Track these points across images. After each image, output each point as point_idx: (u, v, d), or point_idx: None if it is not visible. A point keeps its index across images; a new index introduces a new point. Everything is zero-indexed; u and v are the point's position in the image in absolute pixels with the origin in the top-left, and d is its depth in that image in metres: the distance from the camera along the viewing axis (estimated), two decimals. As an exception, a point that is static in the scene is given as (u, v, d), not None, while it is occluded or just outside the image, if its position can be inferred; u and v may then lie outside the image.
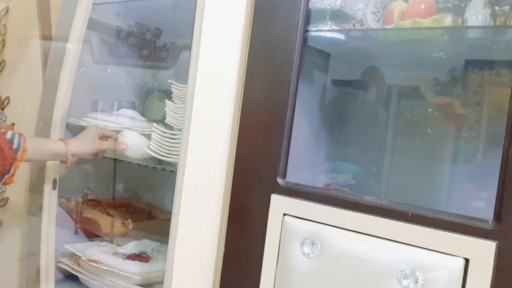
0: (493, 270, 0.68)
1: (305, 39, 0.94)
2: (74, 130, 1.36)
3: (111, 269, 1.19)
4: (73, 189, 1.40)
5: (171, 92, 1.13)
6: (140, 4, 1.40)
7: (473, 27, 0.88)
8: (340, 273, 0.79)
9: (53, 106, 1.24)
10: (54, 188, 1.22)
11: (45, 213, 1.23)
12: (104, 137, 1.16)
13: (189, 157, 0.98)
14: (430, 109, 1.10)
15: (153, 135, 1.13)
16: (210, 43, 0.97)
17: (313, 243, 0.83)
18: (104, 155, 1.22)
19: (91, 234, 1.41)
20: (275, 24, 0.92)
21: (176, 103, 1.11)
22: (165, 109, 1.12)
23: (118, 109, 1.40)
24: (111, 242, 1.34)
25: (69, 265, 1.27)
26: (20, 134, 0.99)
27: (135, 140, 1.17)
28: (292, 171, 0.92)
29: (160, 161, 1.15)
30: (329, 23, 1.01)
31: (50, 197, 1.23)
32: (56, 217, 1.25)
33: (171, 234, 0.97)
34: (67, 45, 1.25)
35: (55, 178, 1.24)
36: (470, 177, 1.01)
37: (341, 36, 1.07)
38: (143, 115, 1.43)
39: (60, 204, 1.34)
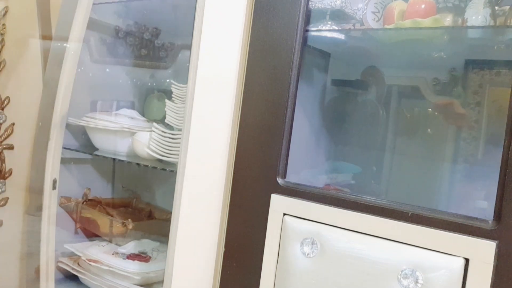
0: (493, 270, 0.68)
1: (305, 39, 0.94)
2: (74, 130, 1.36)
3: (111, 269, 1.19)
4: (73, 189, 1.40)
5: (171, 92, 1.13)
6: (140, 4, 1.40)
7: (473, 27, 0.88)
8: (340, 273, 0.79)
9: (53, 106, 1.24)
10: (54, 188, 1.22)
11: (45, 213, 1.23)
12: None
13: (189, 157, 0.98)
14: (430, 109, 1.10)
15: (153, 135, 1.13)
16: (210, 43, 0.97)
17: (313, 243, 0.83)
18: (105, 155, 1.23)
19: (91, 234, 1.41)
20: (275, 24, 0.92)
21: (176, 103, 1.12)
22: (165, 109, 1.12)
23: (118, 109, 1.40)
24: (111, 242, 1.34)
25: (69, 265, 1.27)
26: None
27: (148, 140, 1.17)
28: (292, 171, 0.92)
29: (160, 161, 1.15)
30: (329, 23, 1.01)
31: (50, 197, 1.23)
32: (56, 217, 1.25)
33: (171, 234, 0.97)
34: (67, 45, 1.25)
35: (55, 178, 1.24)
36: (470, 177, 1.01)
37: (341, 36, 1.07)
38: (143, 115, 1.43)
39: (60, 204, 1.34)
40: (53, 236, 1.24)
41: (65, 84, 1.24)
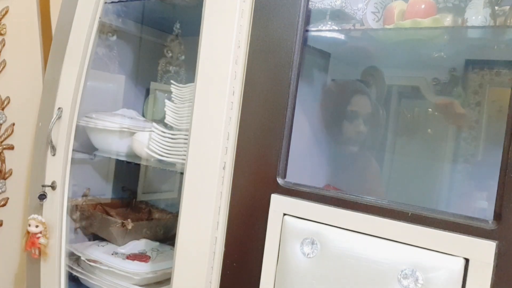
0: (493, 270, 0.68)
1: (305, 39, 0.93)
2: (74, 130, 1.36)
3: (110, 269, 1.19)
4: (73, 189, 1.40)
5: (171, 92, 1.13)
6: (140, 4, 1.40)
7: (473, 27, 0.88)
8: (340, 273, 0.79)
9: (53, 106, 1.24)
10: (54, 188, 1.22)
11: (45, 213, 1.23)
12: None
13: (189, 157, 0.98)
14: (430, 109, 1.10)
15: (153, 135, 1.13)
16: (210, 43, 0.97)
17: (313, 243, 0.83)
18: (105, 155, 1.22)
19: (91, 234, 1.41)
20: (275, 24, 0.92)
21: (175, 103, 1.12)
22: (165, 109, 1.12)
23: (118, 109, 1.40)
24: (111, 242, 1.34)
25: (69, 265, 1.27)
26: None
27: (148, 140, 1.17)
28: (292, 171, 0.92)
29: (160, 161, 1.15)
30: (329, 23, 1.01)
31: (50, 197, 1.23)
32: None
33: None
34: (67, 45, 1.25)
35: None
36: (470, 177, 1.01)
37: (341, 36, 1.07)
38: (143, 115, 1.43)
39: (60, 204, 1.34)
40: (53, 236, 1.24)
41: (65, 84, 1.24)
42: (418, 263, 0.73)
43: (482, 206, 0.92)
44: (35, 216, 1.21)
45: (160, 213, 1.47)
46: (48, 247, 1.22)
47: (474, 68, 1.01)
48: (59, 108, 1.22)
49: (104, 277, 1.21)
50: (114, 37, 1.44)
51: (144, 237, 1.35)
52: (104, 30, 1.38)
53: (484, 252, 0.69)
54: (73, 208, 1.37)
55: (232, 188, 0.96)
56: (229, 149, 0.96)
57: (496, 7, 0.85)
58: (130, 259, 1.24)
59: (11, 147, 1.51)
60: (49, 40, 1.46)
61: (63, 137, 1.21)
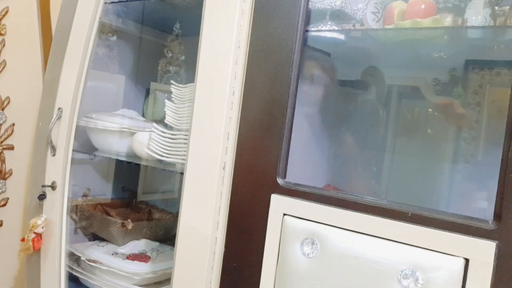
0: (493, 270, 0.68)
1: (305, 39, 0.93)
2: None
3: (110, 269, 1.19)
4: (73, 189, 1.40)
5: (171, 92, 1.13)
6: (140, 4, 1.40)
7: (473, 27, 0.88)
8: (340, 273, 0.79)
9: (53, 106, 1.24)
10: (54, 188, 1.22)
11: (45, 213, 1.23)
12: None
13: (189, 157, 0.98)
14: (430, 109, 1.10)
15: (153, 135, 1.13)
16: (210, 43, 0.97)
17: (313, 243, 0.83)
18: (105, 155, 1.22)
19: (91, 234, 1.41)
20: (275, 24, 0.92)
21: (175, 103, 1.12)
22: (165, 109, 1.12)
23: (118, 109, 1.40)
24: (111, 242, 1.34)
25: (69, 265, 1.27)
26: None
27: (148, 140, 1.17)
28: (292, 171, 0.92)
29: (160, 161, 1.15)
30: (329, 23, 1.01)
31: (50, 197, 1.23)
32: (56, 217, 1.25)
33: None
34: (67, 45, 1.25)
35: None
36: (470, 177, 1.01)
37: (341, 36, 1.07)
38: (143, 115, 1.43)
39: (60, 204, 1.34)
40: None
41: (65, 84, 1.24)
42: (418, 263, 0.73)
43: (482, 206, 0.92)
44: (42, 219, 1.21)
45: (160, 213, 1.47)
46: (48, 247, 1.22)
47: (474, 68, 1.01)
48: (59, 108, 1.22)
49: (104, 277, 1.21)
50: (114, 37, 1.44)
51: (144, 237, 1.35)
52: (104, 30, 1.38)
53: (484, 252, 0.69)
54: (73, 208, 1.37)
55: (232, 188, 0.96)
56: (229, 149, 0.96)
57: (496, 7, 0.85)
58: (130, 259, 1.24)
59: (11, 147, 1.51)
60: (49, 40, 1.46)
61: (63, 137, 1.21)
